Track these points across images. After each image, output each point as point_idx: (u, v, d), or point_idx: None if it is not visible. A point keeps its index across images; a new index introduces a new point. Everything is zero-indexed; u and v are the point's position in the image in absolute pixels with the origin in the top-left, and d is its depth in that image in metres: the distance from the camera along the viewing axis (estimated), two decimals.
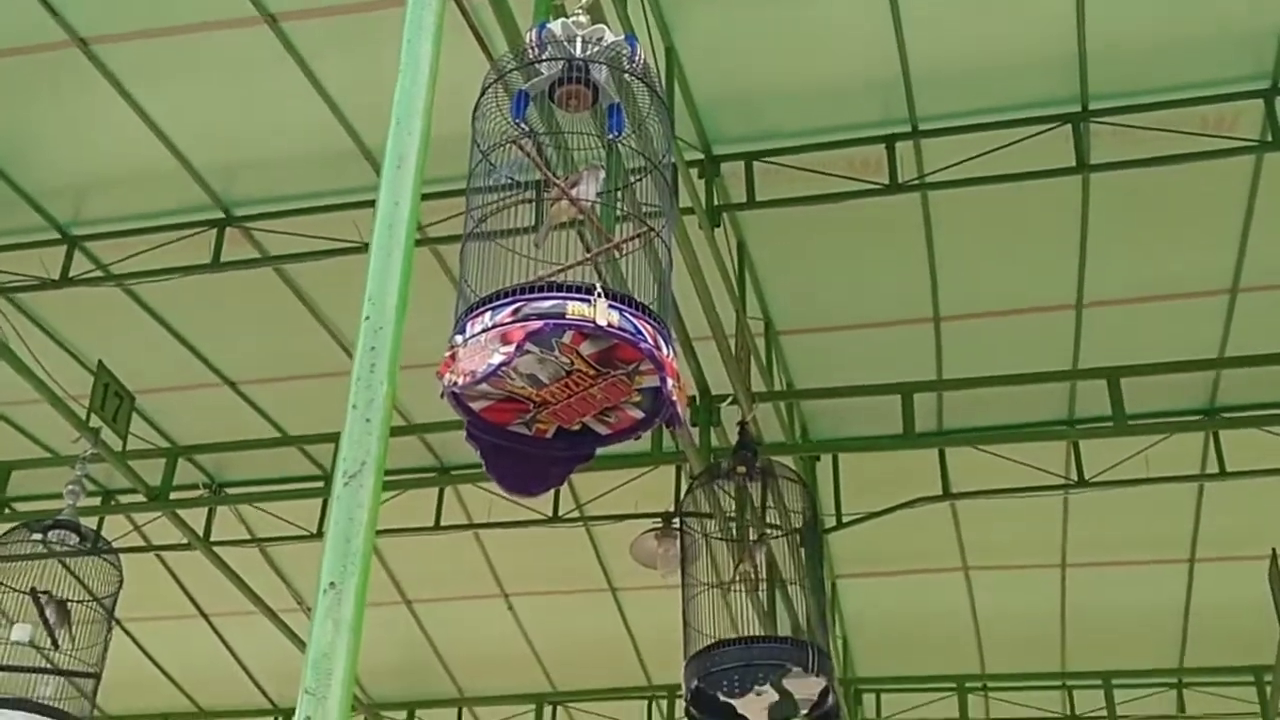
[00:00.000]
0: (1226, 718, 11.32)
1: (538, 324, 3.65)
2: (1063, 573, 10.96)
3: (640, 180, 4.27)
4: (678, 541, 7.78)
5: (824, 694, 7.14)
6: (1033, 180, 7.76)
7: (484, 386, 3.82)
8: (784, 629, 7.90)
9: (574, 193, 4.03)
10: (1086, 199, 8.06)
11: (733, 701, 7.06)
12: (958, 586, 11.21)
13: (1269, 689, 10.79)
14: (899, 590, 11.26)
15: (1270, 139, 7.43)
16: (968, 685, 12.00)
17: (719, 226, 7.90)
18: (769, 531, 7.86)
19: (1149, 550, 10.61)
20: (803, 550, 7.92)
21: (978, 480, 9.62)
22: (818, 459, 10.18)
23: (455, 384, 3.72)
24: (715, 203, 7.89)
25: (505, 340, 3.65)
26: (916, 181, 7.92)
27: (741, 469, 7.63)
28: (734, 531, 7.80)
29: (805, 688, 7.09)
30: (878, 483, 9.81)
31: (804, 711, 7.21)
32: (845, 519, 10.07)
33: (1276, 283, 8.24)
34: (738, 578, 7.56)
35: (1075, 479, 9.50)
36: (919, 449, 9.51)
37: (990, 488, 9.60)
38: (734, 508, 7.80)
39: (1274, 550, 9.08)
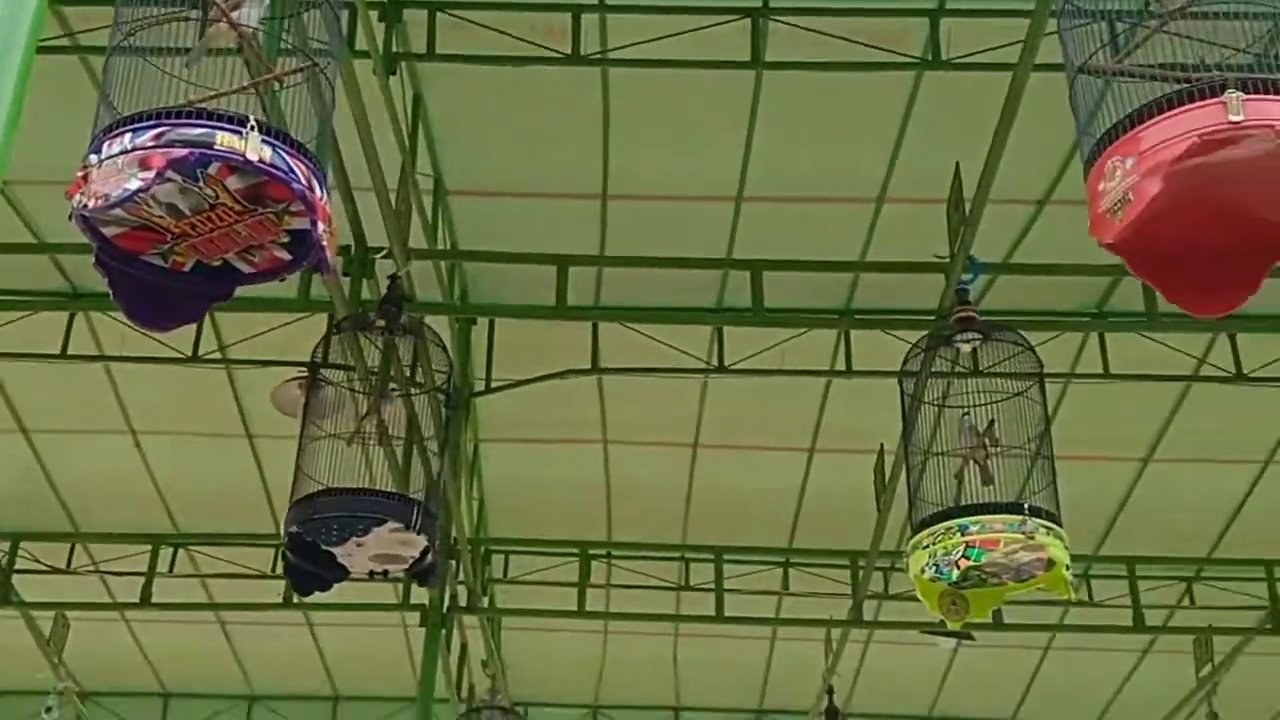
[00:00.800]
0: (824, 596, 12.16)
1: (182, 152, 3.46)
2: (694, 452, 11.44)
3: (309, 13, 4.08)
4: (317, 390, 7.66)
5: (425, 552, 7.26)
6: (710, 70, 7.89)
7: (118, 212, 3.60)
8: (416, 487, 7.91)
9: (235, 16, 3.80)
10: (758, 96, 8.27)
11: (332, 549, 7.10)
12: (595, 458, 11.53)
13: (861, 572, 11.68)
14: (540, 457, 11.48)
15: (931, 58, 7.81)
16: (591, 552, 12.43)
17: (395, 75, 7.67)
18: (403, 389, 7.83)
19: (775, 438, 11.19)
20: (445, 412, 7.96)
21: (626, 358, 9.88)
22: (474, 322, 10.19)
23: (85, 206, 3.50)
24: (393, 50, 7.65)
25: (145, 165, 3.44)
26: (598, 56, 7.92)
27: (382, 322, 7.56)
28: (370, 384, 7.74)
29: (407, 544, 7.19)
30: (531, 351, 9.92)
31: (404, 567, 7.32)
32: (495, 384, 10.15)
33: (919, 196, 8.69)
34: (361, 430, 7.53)
35: (716, 364, 9.86)
36: (572, 321, 9.65)
37: (637, 366, 9.88)
38: (376, 362, 7.72)
39: (882, 445, 9.77)
